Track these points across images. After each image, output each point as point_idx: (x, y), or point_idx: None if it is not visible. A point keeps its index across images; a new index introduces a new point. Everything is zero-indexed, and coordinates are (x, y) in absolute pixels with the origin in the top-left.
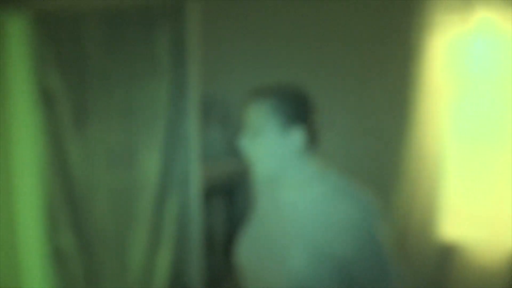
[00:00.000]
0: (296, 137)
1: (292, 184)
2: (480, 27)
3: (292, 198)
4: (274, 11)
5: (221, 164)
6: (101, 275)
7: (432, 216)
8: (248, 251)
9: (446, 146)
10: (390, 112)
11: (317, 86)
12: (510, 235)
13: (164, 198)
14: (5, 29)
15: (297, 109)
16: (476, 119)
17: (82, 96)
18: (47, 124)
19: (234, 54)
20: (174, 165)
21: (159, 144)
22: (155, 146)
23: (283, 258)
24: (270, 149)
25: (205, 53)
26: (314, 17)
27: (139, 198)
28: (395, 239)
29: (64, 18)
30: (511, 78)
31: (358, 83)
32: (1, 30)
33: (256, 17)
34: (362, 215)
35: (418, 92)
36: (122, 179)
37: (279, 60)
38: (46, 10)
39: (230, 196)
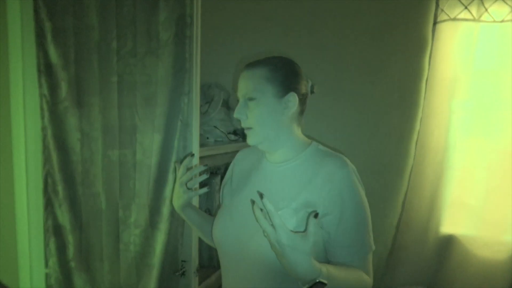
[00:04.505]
0: (290, 102)
1: (282, 152)
2: (489, 21)
3: (281, 165)
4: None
5: (223, 146)
6: (97, 253)
7: (434, 209)
8: (227, 226)
9: (451, 140)
10: (398, 105)
11: (322, 77)
12: (510, 230)
13: (162, 179)
14: (4, 2)
15: (290, 77)
16: (482, 114)
17: (81, 72)
18: (46, 100)
19: (235, 39)
20: (174, 146)
21: (159, 124)
22: (154, 126)
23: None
24: (267, 114)
25: (206, 35)
26: (323, 6)
27: (137, 178)
28: (397, 229)
29: None
30: None
31: (364, 76)
32: (0, 4)
33: (257, 4)
34: (343, 173)
35: (425, 85)
36: (120, 157)
37: (282, 48)
38: None
39: None
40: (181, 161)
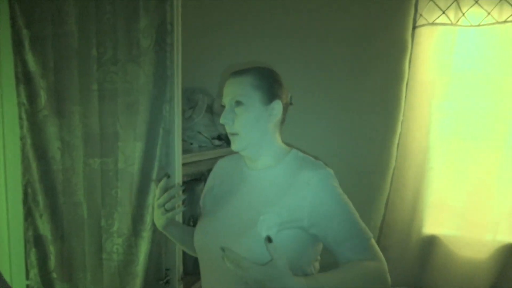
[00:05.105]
0: (275, 109)
1: (264, 159)
2: (466, 24)
3: (262, 173)
4: (262, 4)
5: (207, 152)
6: (79, 263)
7: (416, 210)
8: (208, 232)
9: (432, 142)
10: (379, 108)
11: (304, 83)
12: (491, 230)
13: (145, 187)
14: None
15: (275, 85)
16: (461, 116)
17: (60, 80)
18: (25, 109)
19: (219, 44)
20: (156, 153)
21: (141, 131)
22: (136, 134)
23: (252, 230)
24: (254, 120)
25: (189, 41)
26: (303, 12)
27: (119, 186)
28: (380, 231)
29: None
30: (497, 75)
31: (346, 80)
32: None
33: (242, 8)
34: (321, 178)
35: (405, 89)
36: (102, 166)
37: (264, 54)
38: None
39: None
40: (159, 180)
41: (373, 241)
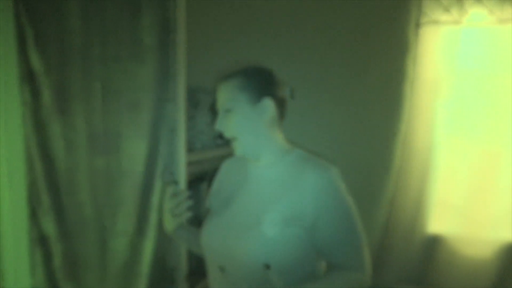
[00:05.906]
0: (266, 107)
1: (265, 158)
2: (470, 23)
3: (264, 171)
4: (265, 2)
5: (210, 151)
6: (84, 262)
7: (420, 209)
8: (214, 230)
9: (436, 141)
10: (382, 106)
11: (308, 81)
12: (494, 229)
13: (149, 186)
14: None
15: (262, 83)
16: (466, 114)
17: (64, 79)
18: (29, 108)
19: (220, 42)
20: (160, 152)
21: (144, 130)
22: (140, 133)
23: (256, 228)
24: (245, 122)
25: (191, 39)
26: (305, 9)
27: (123, 185)
28: (384, 230)
29: None
30: (500, 74)
31: (348, 78)
32: None
33: (246, 6)
34: (326, 180)
35: (409, 87)
36: (106, 165)
37: (267, 51)
38: None
39: None
40: (166, 181)
41: (365, 250)
